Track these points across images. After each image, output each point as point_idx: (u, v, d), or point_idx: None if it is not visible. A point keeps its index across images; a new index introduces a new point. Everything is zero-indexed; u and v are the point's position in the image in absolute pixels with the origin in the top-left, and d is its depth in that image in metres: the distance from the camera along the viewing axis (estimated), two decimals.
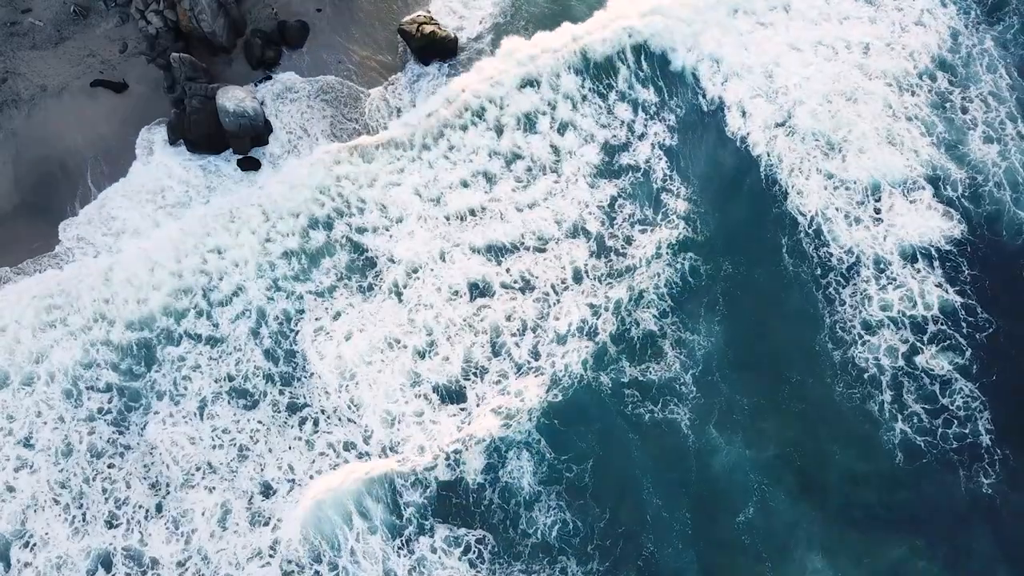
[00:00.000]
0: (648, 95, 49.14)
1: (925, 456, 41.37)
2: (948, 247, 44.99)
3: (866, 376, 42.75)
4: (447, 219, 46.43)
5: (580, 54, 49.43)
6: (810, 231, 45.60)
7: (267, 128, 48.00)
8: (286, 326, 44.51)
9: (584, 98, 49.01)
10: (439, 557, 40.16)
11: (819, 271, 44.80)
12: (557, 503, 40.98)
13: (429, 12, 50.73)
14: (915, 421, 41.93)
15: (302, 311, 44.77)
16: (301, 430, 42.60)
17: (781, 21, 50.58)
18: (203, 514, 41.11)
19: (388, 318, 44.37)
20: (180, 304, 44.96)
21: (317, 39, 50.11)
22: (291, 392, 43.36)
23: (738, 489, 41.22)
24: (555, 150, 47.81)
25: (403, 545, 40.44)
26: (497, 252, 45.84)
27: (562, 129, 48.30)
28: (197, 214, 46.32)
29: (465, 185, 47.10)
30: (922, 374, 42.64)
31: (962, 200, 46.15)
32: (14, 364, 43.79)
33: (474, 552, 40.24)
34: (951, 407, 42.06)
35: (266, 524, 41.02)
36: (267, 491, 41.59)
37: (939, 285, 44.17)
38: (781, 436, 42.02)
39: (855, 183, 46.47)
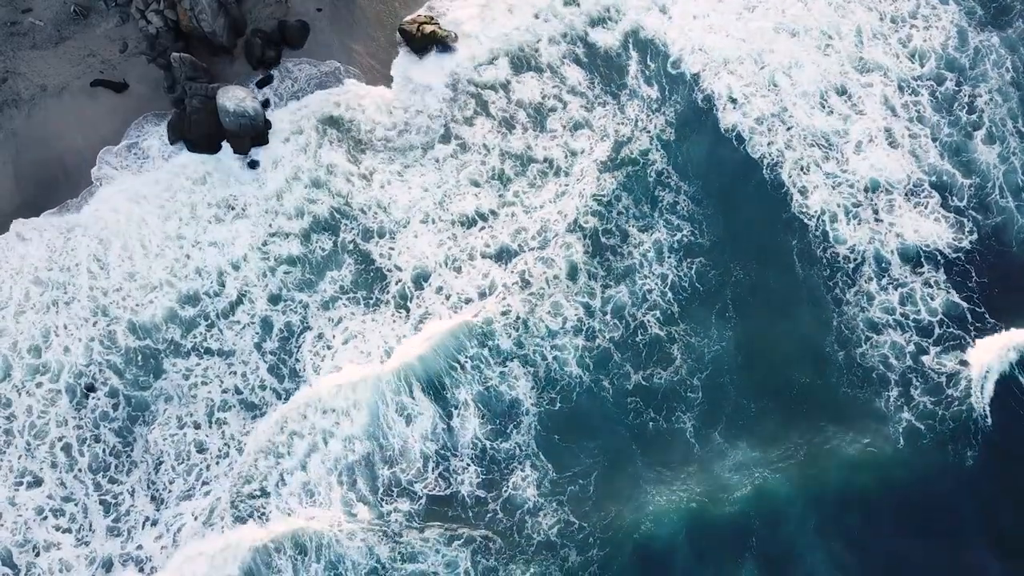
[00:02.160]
0: (649, 89, 49.02)
1: (925, 438, 41.66)
2: (952, 247, 45.04)
3: (875, 376, 42.79)
4: (453, 223, 46.22)
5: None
6: (816, 232, 45.53)
7: (267, 127, 47.85)
8: (292, 342, 44.08)
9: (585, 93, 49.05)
10: (433, 546, 40.08)
11: (827, 272, 44.83)
12: (559, 509, 41.00)
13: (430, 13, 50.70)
14: (920, 410, 42.09)
15: (305, 321, 44.43)
16: None
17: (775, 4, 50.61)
18: (194, 515, 41.08)
19: (389, 330, 44.19)
20: (185, 313, 44.71)
21: (317, 39, 49.91)
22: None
23: (740, 484, 41.33)
24: (563, 150, 47.86)
25: (390, 538, 40.39)
26: (505, 255, 45.75)
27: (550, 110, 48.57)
28: (159, 175, 46.49)
29: (476, 185, 47.03)
30: (930, 372, 42.66)
31: (966, 200, 46.10)
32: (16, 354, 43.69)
33: (478, 544, 40.15)
34: (956, 396, 42.27)
35: (244, 522, 41.11)
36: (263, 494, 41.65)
37: (945, 286, 44.15)
38: (787, 438, 42.05)
39: (857, 182, 46.33)
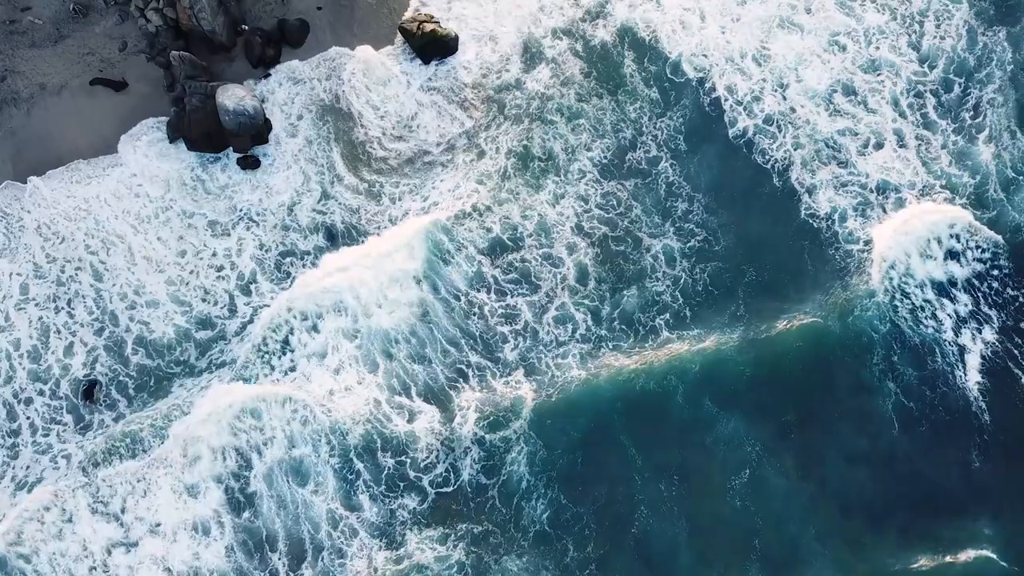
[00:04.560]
0: (650, 90, 48.62)
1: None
2: (958, 245, 45.03)
3: (883, 373, 43.02)
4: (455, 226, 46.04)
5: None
6: (825, 234, 45.41)
7: (267, 126, 47.64)
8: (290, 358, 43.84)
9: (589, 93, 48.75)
10: (430, 544, 40.07)
11: (834, 272, 44.77)
12: (552, 495, 40.96)
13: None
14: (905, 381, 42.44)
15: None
16: None
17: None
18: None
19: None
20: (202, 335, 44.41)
21: (318, 37, 49.70)
22: None
23: (741, 477, 41.49)
24: (564, 147, 47.60)
25: (390, 539, 40.31)
26: (499, 248, 45.50)
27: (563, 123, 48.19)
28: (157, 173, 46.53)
29: (482, 183, 46.76)
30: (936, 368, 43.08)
31: (970, 198, 46.10)
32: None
33: (469, 539, 40.21)
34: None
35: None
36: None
37: (951, 282, 44.44)
38: (791, 435, 42.10)
39: (865, 181, 46.20)
